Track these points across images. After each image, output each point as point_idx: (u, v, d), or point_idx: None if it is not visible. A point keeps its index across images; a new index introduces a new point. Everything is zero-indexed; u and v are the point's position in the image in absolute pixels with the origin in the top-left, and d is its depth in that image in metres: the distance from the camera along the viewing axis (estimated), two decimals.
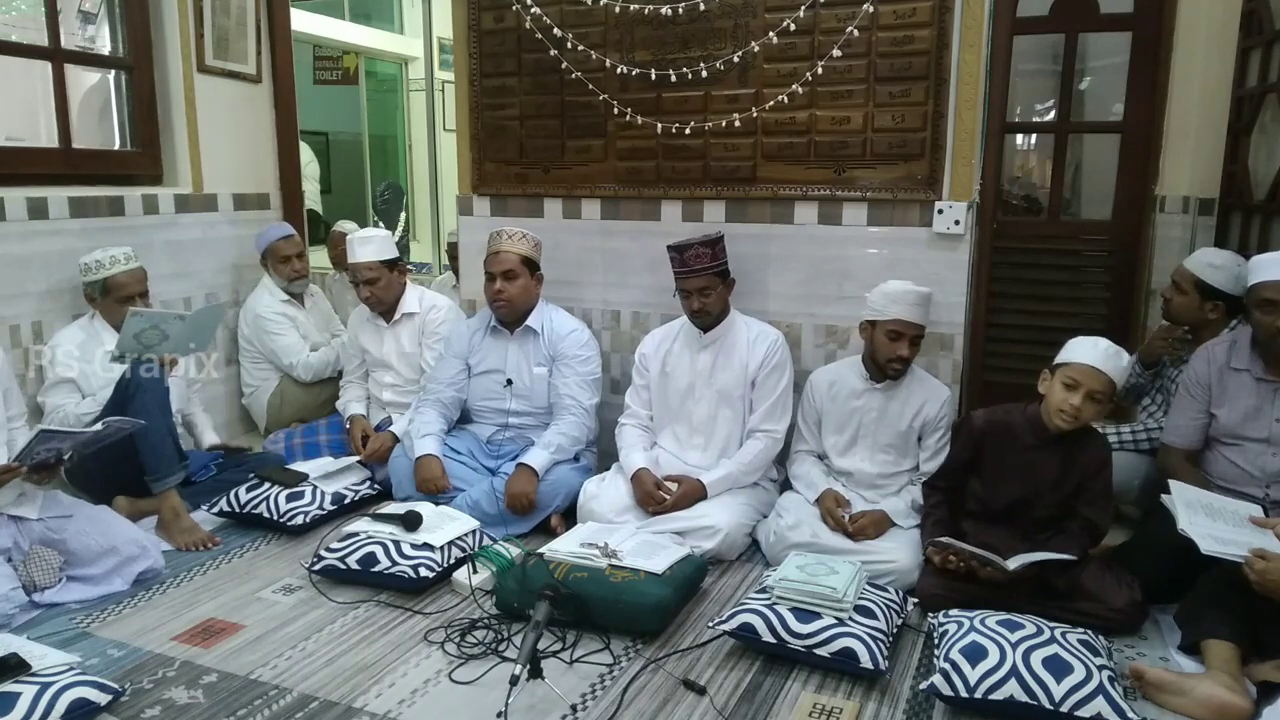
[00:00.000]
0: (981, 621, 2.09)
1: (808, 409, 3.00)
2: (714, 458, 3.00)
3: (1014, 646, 1.98)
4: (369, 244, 3.48)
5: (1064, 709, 1.87)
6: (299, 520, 2.99)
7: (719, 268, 2.93)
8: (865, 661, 2.08)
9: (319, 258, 5.55)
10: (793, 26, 2.97)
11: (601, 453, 3.29)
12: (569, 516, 3.00)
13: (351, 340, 3.73)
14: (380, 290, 3.48)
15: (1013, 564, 2.27)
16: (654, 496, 2.85)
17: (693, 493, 2.86)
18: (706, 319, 2.98)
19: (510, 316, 3.21)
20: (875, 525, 2.65)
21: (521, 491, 2.96)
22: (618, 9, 3.17)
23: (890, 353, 2.74)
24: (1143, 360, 2.99)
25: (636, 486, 2.90)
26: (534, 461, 3.01)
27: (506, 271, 3.12)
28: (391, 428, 3.45)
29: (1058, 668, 1.92)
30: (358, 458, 3.37)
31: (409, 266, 3.70)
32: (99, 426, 2.61)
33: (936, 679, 1.99)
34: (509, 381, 3.21)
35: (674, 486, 2.88)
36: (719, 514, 2.80)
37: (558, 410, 3.18)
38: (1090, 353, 2.36)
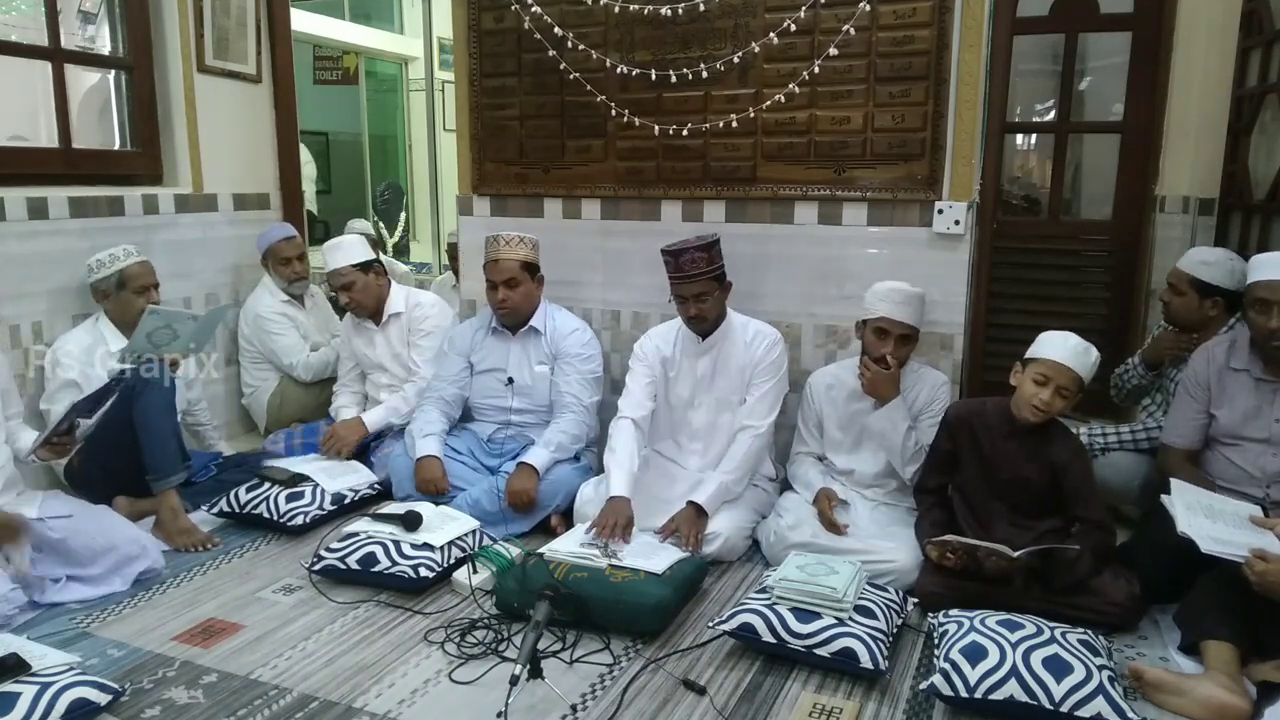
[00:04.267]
0: (981, 621, 2.09)
1: (808, 411, 2.99)
2: (713, 462, 2.97)
3: (1014, 646, 1.98)
4: (339, 250, 3.49)
5: (1064, 709, 1.87)
6: (299, 520, 2.99)
7: (716, 272, 2.86)
8: (865, 661, 2.08)
9: (318, 259, 5.55)
10: (793, 27, 2.96)
11: (602, 452, 3.29)
12: (569, 517, 3.00)
13: (344, 346, 3.73)
14: (358, 294, 3.48)
15: (1017, 552, 2.27)
16: (606, 529, 2.57)
17: (694, 520, 2.71)
18: (703, 324, 2.92)
19: (514, 321, 3.22)
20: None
21: (522, 489, 2.95)
22: (618, 9, 3.17)
23: (875, 350, 2.74)
24: (1147, 361, 2.99)
25: (606, 514, 2.64)
26: (534, 460, 3.01)
27: (508, 280, 3.12)
28: (379, 408, 3.46)
29: (1058, 668, 1.92)
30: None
31: (382, 266, 3.64)
32: (108, 380, 2.65)
33: (936, 679, 1.99)
34: (510, 380, 3.22)
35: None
36: (718, 518, 2.79)
37: (558, 408, 3.18)
38: (1060, 349, 2.39)
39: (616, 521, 2.59)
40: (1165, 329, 2.95)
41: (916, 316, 2.76)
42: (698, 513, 2.74)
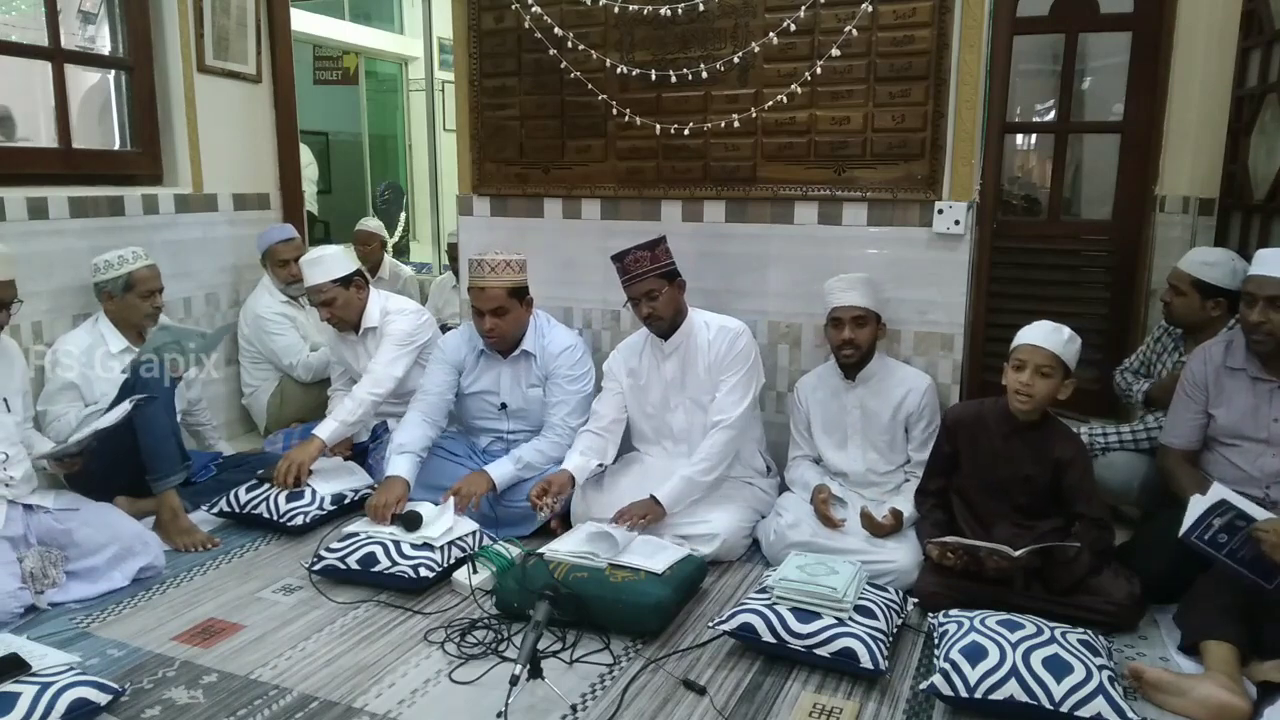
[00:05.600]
0: (981, 621, 2.09)
1: (797, 414, 3.01)
2: None
3: (1014, 646, 1.98)
4: (318, 265, 3.35)
5: (1064, 709, 1.88)
6: (299, 521, 2.99)
7: (661, 269, 2.84)
8: (865, 661, 2.08)
9: None
10: (793, 27, 2.96)
11: None
12: (568, 519, 2.99)
13: (333, 351, 3.71)
14: (340, 310, 3.38)
15: (1017, 550, 2.27)
16: (537, 503, 2.76)
17: (650, 509, 2.73)
18: (660, 324, 2.90)
19: (503, 347, 3.13)
20: (897, 520, 2.67)
21: (471, 483, 2.89)
22: (618, 9, 3.17)
23: (835, 340, 2.81)
24: (1157, 402, 2.94)
25: (551, 477, 2.83)
26: (495, 472, 2.95)
27: (495, 309, 3.01)
28: (328, 420, 3.28)
29: (1058, 668, 1.92)
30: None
31: (364, 279, 3.51)
32: (127, 405, 2.66)
33: (936, 679, 1.99)
34: (503, 405, 3.18)
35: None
36: (717, 519, 2.79)
37: (544, 428, 3.12)
38: (1032, 333, 2.44)
39: (553, 485, 2.78)
40: (1173, 371, 2.91)
41: (865, 298, 2.78)
42: (655, 509, 2.73)
